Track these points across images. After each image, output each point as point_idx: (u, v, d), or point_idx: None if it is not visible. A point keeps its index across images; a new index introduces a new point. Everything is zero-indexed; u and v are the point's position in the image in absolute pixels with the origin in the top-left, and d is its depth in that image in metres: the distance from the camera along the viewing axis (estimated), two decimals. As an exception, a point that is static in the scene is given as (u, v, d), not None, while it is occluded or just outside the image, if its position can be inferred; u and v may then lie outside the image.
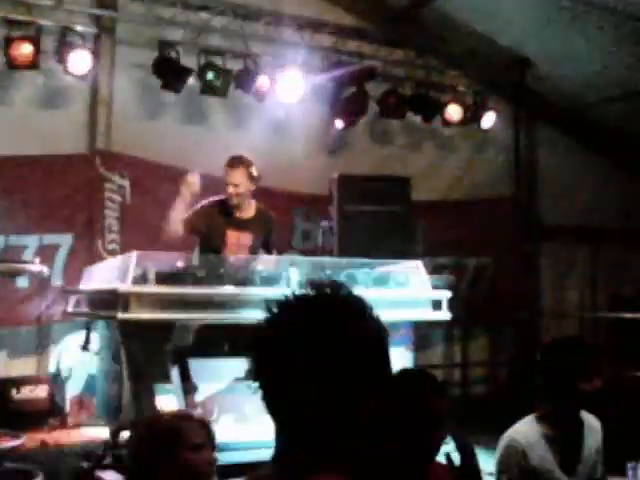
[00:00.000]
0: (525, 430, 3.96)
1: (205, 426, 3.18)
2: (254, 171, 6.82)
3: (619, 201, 11.50)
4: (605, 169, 11.72)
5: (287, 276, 6.20)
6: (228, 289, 5.97)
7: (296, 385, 1.73)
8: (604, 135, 11.45)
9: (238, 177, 6.77)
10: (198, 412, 3.31)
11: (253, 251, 6.91)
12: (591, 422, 4.05)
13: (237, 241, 6.84)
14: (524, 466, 3.84)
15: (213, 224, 6.77)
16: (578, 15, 9.02)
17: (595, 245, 11.60)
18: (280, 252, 7.66)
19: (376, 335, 1.80)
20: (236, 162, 6.82)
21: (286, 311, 1.80)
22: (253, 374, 1.82)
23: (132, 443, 3.22)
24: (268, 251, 7.06)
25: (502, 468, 3.90)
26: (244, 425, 5.72)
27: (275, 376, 1.78)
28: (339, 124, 9.88)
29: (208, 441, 3.14)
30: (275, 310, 1.80)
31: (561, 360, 3.89)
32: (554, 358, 3.92)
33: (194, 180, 6.66)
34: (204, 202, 6.90)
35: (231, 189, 6.77)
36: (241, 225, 6.86)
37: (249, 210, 6.94)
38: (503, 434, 4.01)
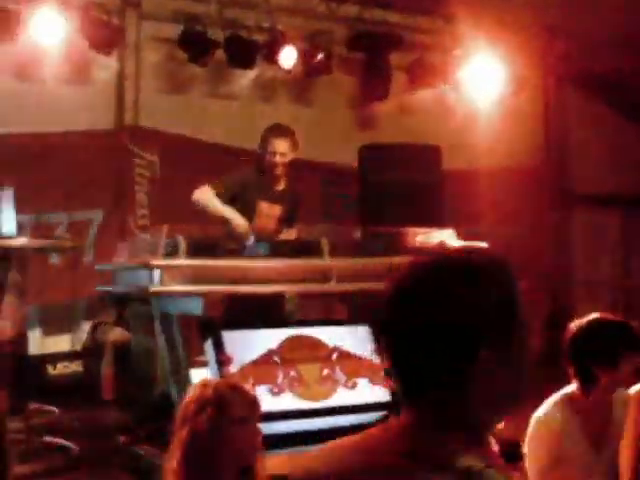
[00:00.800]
0: (555, 411, 3.89)
1: (251, 399, 3.17)
2: (296, 140, 6.74)
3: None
4: (636, 135, 11.58)
5: (319, 247, 6.16)
6: (260, 261, 5.95)
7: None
8: (634, 100, 11.30)
9: (285, 146, 6.68)
10: (246, 385, 3.29)
11: (282, 223, 6.87)
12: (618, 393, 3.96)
13: (268, 212, 6.80)
14: (556, 448, 3.78)
15: (246, 194, 6.71)
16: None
17: (627, 212, 11.49)
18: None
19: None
20: (283, 131, 6.73)
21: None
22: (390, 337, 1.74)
23: (182, 405, 3.22)
24: (291, 225, 6.99)
25: (533, 450, 3.83)
26: (278, 396, 5.71)
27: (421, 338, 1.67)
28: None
29: (253, 415, 3.13)
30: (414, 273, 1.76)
31: (606, 343, 3.76)
32: (596, 340, 3.79)
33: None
34: (237, 172, 6.85)
35: (278, 158, 6.66)
36: (273, 197, 6.81)
37: (281, 182, 6.88)
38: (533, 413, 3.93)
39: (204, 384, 3.19)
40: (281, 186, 6.88)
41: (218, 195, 6.53)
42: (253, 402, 3.18)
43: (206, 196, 6.52)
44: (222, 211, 6.45)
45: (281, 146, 6.67)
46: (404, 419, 1.73)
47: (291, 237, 6.76)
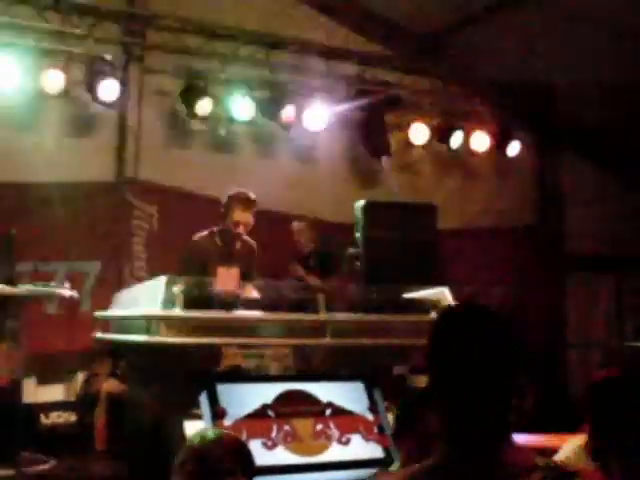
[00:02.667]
0: (575, 459, 3.87)
1: (239, 452, 3.14)
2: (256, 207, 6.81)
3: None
4: (631, 196, 11.69)
5: (315, 302, 6.20)
6: (257, 314, 5.99)
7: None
8: (631, 162, 11.44)
9: (248, 217, 6.74)
10: (236, 435, 3.27)
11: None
12: None
13: (228, 274, 6.78)
14: None
15: (205, 259, 6.71)
16: (602, 43, 9.05)
17: (621, 273, 11.56)
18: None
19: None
20: (252, 204, 6.76)
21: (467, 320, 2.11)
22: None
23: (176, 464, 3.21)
24: (249, 279, 6.86)
25: None
26: (272, 450, 5.72)
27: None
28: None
29: (240, 468, 3.09)
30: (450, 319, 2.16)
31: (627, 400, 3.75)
32: (618, 396, 3.77)
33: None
34: (195, 241, 6.88)
35: (242, 229, 6.73)
36: (230, 258, 6.80)
37: (237, 243, 6.93)
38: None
39: (196, 434, 3.18)
40: (237, 245, 6.90)
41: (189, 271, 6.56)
42: (241, 455, 3.14)
43: None
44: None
45: (248, 217, 6.73)
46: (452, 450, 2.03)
47: (250, 294, 6.71)
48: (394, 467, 4.01)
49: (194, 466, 3.01)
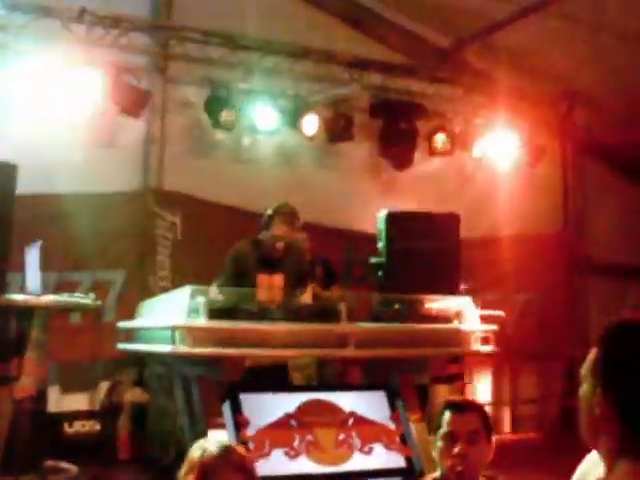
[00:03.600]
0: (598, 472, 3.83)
1: (240, 466, 3.12)
2: (299, 222, 6.75)
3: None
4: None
5: (338, 312, 6.22)
6: (281, 325, 6.01)
7: None
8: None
9: (288, 231, 6.66)
10: (241, 449, 3.25)
11: (289, 289, 6.80)
12: None
13: (269, 283, 6.76)
14: None
15: (244, 268, 6.70)
16: (627, 52, 9.03)
17: (644, 282, 11.53)
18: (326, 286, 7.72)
19: None
20: (290, 216, 6.66)
21: None
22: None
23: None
24: (303, 286, 6.86)
25: None
26: (294, 460, 5.73)
27: None
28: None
29: None
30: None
31: None
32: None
33: None
34: (233, 249, 6.86)
35: (280, 244, 6.68)
36: (271, 266, 6.77)
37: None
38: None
39: (200, 445, 3.18)
40: (279, 254, 6.78)
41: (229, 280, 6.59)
42: (243, 470, 3.12)
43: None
44: None
45: (285, 231, 6.65)
46: None
47: (307, 300, 6.71)
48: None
49: (199, 477, 3.02)
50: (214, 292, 6.30)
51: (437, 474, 3.86)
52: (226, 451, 3.12)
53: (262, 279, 6.50)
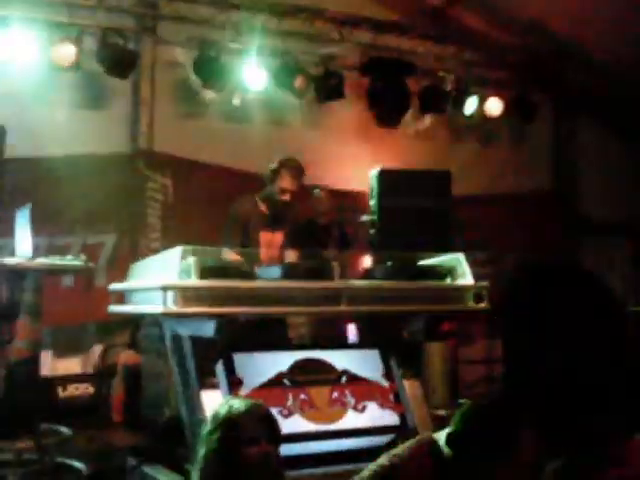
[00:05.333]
0: None
1: (264, 419, 3.19)
2: (304, 174, 6.80)
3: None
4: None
5: (331, 270, 6.19)
6: (274, 283, 5.98)
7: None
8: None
9: (296, 184, 6.74)
10: (263, 404, 3.32)
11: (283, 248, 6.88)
12: None
13: (271, 241, 6.83)
14: None
15: (248, 226, 6.75)
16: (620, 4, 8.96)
17: (636, 238, 11.52)
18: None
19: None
20: (296, 169, 6.75)
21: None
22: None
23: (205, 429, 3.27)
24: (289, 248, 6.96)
25: None
26: (288, 419, 5.74)
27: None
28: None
29: (266, 434, 3.14)
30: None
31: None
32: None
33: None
34: (237, 206, 6.89)
35: (288, 196, 6.74)
36: (273, 224, 6.85)
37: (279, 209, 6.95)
38: None
39: (224, 403, 3.23)
40: (283, 212, 6.92)
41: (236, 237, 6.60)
42: (268, 423, 3.20)
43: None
44: None
45: (292, 184, 6.73)
46: None
47: (292, 259, 6.76)
48: None
49: (223, 434, 3.08)
50: (228, 253, 6.33)
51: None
52: (251, 407, 3.20)
53: (265, 237, 6.54)
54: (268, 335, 6.42)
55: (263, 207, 6.84)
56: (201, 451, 3.15)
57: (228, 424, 3.13)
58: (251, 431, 3.13)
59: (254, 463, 3.10)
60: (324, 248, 7.43)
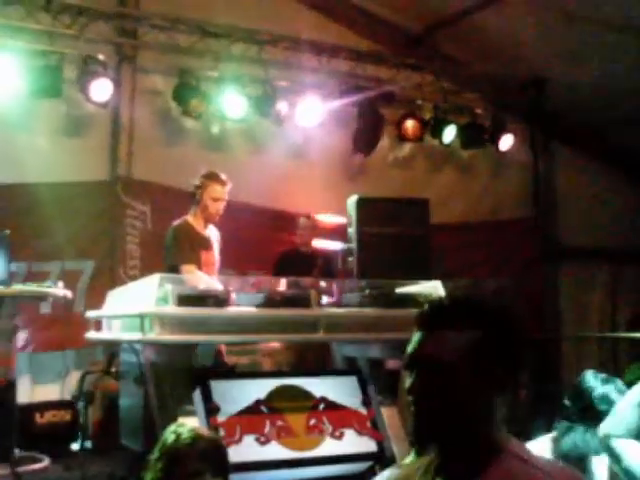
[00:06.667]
0: (539, 449, 3.96)
1: (210, 451, 3.11)
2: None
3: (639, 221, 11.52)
4: (624, 189, 11.74)
5: (308, 298, 6.21)
6: (250, 311, 6.00)
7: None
8: (622, 155, 11.48)
9: (224, 193, 6.87)
10: (212, 435, 3.24)
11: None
12: None
13: (207, 260, 6.88)
14: None
15: (192, 248, 6.80)
16: (596, 36, 9.07)
17: (615, 266, 11.60)
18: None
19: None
20: (222, 179, 6.88)
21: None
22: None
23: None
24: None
25: None
26: (265, 446, 5.74)
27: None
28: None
29: (211, 467, 3.07)
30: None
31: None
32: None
33: None
34: (178, 227, 6.96)
35: (220, 206, 6.84)
36: (207, 244, 6.91)
37: (208, 228, 7.03)
38: None
39: (173, 431, 3.18)
40: (208, 231, 7.02)
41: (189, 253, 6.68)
42: (214, 456, 3.12)
43: (195, 277, 6.58)
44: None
45: (221, 193, 6.85)
46: None
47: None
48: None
49: (165, 464, 3.03)
50: (189, 269, 6.36)
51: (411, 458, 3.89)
52: (197, 439, 3.13)
53: (203, 256, 6.60)
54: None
55: (199, 227, 6.90)
56: (147, 476, 3.10)
57: (172, 455, 3.07)
58: (195, 464, 3.06)
59: None
60: (309, 276, 7.47)
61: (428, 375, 1.88)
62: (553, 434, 4.14)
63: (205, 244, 6.88)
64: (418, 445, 1.94)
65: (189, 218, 6.93)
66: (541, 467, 1.83)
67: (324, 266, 8.32)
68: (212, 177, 6.86)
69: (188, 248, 6.73)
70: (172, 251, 6.79)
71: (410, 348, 1.97)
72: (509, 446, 1.88)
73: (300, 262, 8.35)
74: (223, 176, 6.90)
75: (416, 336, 1.99)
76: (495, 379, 1.89)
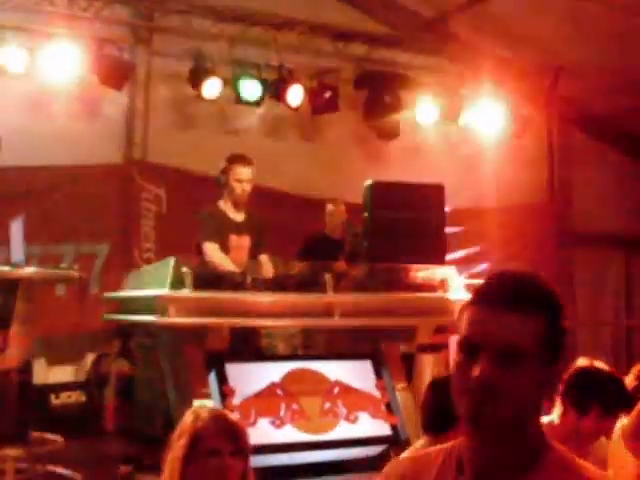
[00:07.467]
0: None
1: (229, 431, 3.12)
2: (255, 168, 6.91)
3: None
4: (638, 175, 11.69)
5: (322, 282, 6.23)
6: (265, 295, 6.02)
7: None
8: (637, 141, 11.45)
9: (249, 173, 6.84)
10: (231, 415, 3.25)
11: (251, 253, 6.94)
12: None
13: (238, 244, 6.87)
14: None
15: (219, 230, 6.81)
16: (613, 21, 9.02)
17: (629, 252, 11.58)
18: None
19: None
20: (248, 159, 6.86)
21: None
22: None
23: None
24: (260, 252, 6.99)
25: None
26: (280, 429, 5.76)
27: None
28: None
29: (229, 447, 3.08)
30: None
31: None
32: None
33: None
34: (207, 210, 6.97)
35: (246, 186, 6.82)
36: (240, 228, 6.90)
37: (243, 212, 7.00)
38: None
39: (193, 411, 3.20)
40: (243, 216, 6.96)
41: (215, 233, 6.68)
42: (234, 436, 3.12)
43: (215, 254, 6.59)
44: (227, 269, 6.48)
45: (248, 174, 6.81)
46: None
47: (267, 266, 6.81)
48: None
49: (185, 442, 3.05)
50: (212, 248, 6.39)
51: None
52: (217, 418, 3.14)
53: (233, 240, 6.60)
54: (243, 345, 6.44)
55: (229, 211, 6.90)
56: (169, 456, 3.12)
57: (191, 434, 3.08)
58: (213, 443, 3.07)
59: (212, 476, 3.04)
60: (335, 260, 7.48)
61: (504, 360, 1.71)
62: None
63: (236, 228, 6.85)
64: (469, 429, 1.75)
65: (220, 203, 6.93)
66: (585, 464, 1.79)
67: (351, 250, 8.31)
68: (235, 159, 6.85)
69: (213, 228, 6.72)
70: (199, 232, 6.80)
71: (474, 327, 1.76)
72: (551, 440, 1.82)
73: (326, 247, 8.34)
74: (246, 157, 6.88)
75: (478, 314, 1.76)
76: (551, 367, 1.77)
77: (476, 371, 1.71)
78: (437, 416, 3.80)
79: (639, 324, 11.27)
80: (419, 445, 3.93)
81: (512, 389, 1.71)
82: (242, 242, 6.87)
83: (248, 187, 6.83)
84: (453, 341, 9.73)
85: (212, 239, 6.63)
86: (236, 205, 6.90)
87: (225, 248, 6.70)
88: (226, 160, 6.87)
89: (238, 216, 6.93)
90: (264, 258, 6.87)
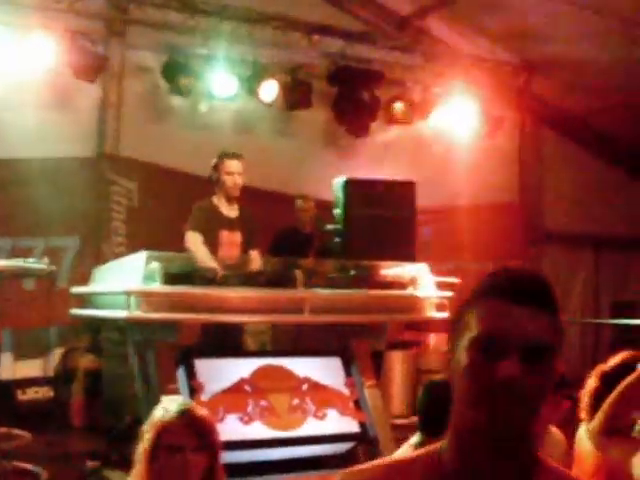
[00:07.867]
0: None
1: (195, 427, 3.10)
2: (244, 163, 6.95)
3: (622, 207, 11.55)
4: (608, 176, 11.76)
5: (293, 278, 6.22)
6: (236, 290, 6.00)
7: None
8: (607, 141, 11.51)
9: (239, 166, 6.87)
10: (200, 410, 3.23)
11: (242, 249, 6.93)
12: None
13: (230, 240, 6.86)
14: None
15: (208, 225, 6.79)
16: (584, 21, 9.06)
17: (598, 251, 11.65)
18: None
19: None
20: (237, 154, 6.93)
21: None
22: None
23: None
24: (250, 248, 6.99)
25: None
26: (248, 425, 5.75)
27: None
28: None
29: (193, 443, 3.06)
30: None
31: None
32: None
33: None
34: (199, 204, 6.95)
35: (237, 178, 6.83)
36: (231, 224, 6.89)
37: (236, 209, 6.99)
38: None
39: (162, 405, 3.18)
40: (236, 212, 6.97)
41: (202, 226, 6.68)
42: (202, 431, 3.11)
43: (195, 244, 6.56)
44: (202, 261, 6.45)
45: (238, 167, 6.84)
46: None
47: (257, 261, 6.82)
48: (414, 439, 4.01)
49: (150, 437, 3.04)
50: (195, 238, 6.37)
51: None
52: (183, 413, 3.13)
53: (224, 235, 6.59)
54: (224, 341, 6.44)
55: (222, 207, 6.89)
56: (138, 448, 3.11)
57: (156, 428, 3.08)
58: (175, 439, 3.06)
59: (173, 472, 3.03)
60: (305, 257, 7.47)
61: (532, 358, 1.54)
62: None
63: (229, 224, 6.85)
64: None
65: (214, 198, 6.93)
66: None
67: (321, 246, 8.32)
68: (224, 154, 6.92)
69: (201, 221, 6.72)
70: (188, 221, 6.79)
71: (500, 322, 1.58)
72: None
73: (296, 242, 8.33)
74: (235, 153, 6.96)
75: (502, 308, 1.60)
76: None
77: (504, 370, 1.52)
78: (432, 421, 3.77)
79: (606, 322, 11.34)
80: (413, 442, 3.94)
81: (536, 391, 1.56)
82: (234, 238, 6.86)
83: (239, 180, 6.86)
84: (434, 338, 9.80)
85: (196, 230, 6.62)
86: (229, 200, 6.90)
87: (214, 243, 6.68)
88: (217, 157, 6.91)
89: (232, 212, 6.93)
90: (254, 254, 6.86)
